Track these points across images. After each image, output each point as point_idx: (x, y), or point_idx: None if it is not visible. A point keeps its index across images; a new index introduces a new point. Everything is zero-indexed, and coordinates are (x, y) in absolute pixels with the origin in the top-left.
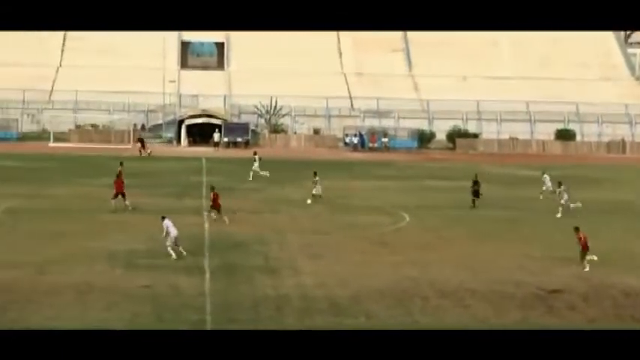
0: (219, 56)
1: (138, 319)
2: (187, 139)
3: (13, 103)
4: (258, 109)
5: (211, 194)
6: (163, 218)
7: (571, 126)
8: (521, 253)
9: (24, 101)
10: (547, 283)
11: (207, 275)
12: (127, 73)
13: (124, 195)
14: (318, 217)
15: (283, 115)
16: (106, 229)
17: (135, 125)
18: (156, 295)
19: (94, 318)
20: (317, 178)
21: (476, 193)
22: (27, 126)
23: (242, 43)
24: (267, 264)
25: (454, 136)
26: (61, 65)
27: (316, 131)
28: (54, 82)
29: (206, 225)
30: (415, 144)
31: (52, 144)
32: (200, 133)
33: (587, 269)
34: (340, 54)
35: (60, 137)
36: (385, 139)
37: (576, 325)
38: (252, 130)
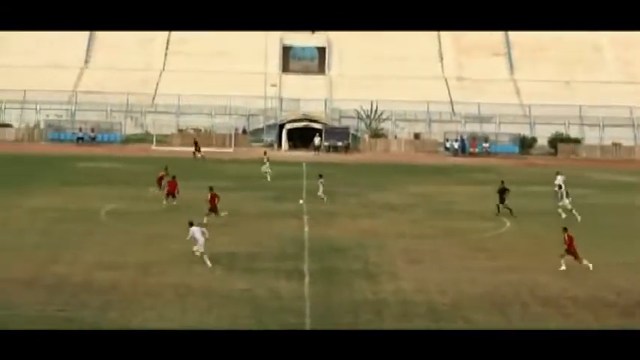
0: (320, 60)
1: (237, 321)
2: (288, 143)
3: (117, 106)
4: (358, 113)
5: (209, 195)
6: (191, 224)
7: None
8: (623, 260)
9: (128, 105)
10: None
11: (307, 279)
12: (229, 77)
13: (174, 195)
14: (418, 222)
15: (384, 120)
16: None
17: (236, 129)
18: (255, 298)
19: (193, 320)
20: (322, 180)
21: (502, 200)
22: (130, 129)
23: (343, 48)
24: (367, 268)
25: (556, 141)
26: (164, 69)
27: (417, 136)
28: (157, 85)
29: (306, 229)
30: (516, 149)
31: (154, 147)
32: (300, 137)
33: (562, 268)
34: (441, 58)
35: (162, 140)
36: (486, 144)
37: None
38: (353, 135)
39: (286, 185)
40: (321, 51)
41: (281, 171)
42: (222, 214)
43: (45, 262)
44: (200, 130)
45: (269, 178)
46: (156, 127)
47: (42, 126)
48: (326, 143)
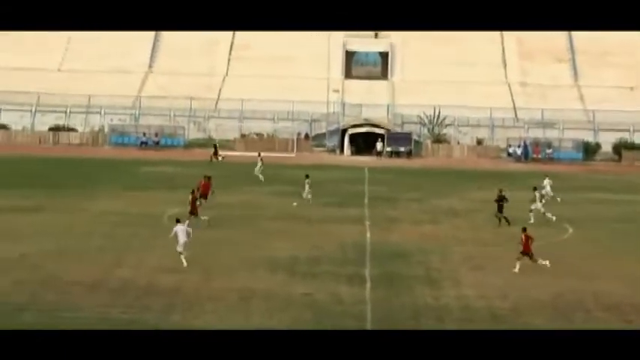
0: (383, 66)
1: (298, 325)
2: (350, 149)
3: (180, 111)
4: (421, 118)
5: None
6: (177, 221)
7: None
8: None
9: (191, 109)
10: None
11: (368, 284)
12: (292, 82)
13: (206, 197)
14: (480, 228)
15: (446, 125)
16: (269, 236)
17: (299, 134)
18: (316, 303)
19: (255, 323)
20: (308, 180)
21: (500, 209)
22: (193, 134)
23: (406, 53)
24: (428, 274)
25: (620, 147)
26: (227, 74)
27: (479, 141)
28: (220, 90)
29: (368, 234)
30: (580, 155)
31: None
32: (363, 143)
33: (516, 270)
34: (505, 64)
35: (225, 145)
36: (549, 151)
37: None
38: (415, 140)
39: (348, 190)
40: (384, 56)
41: (343, 176)
42: (203, 218)
43: (109, 266)
44: (263, 135)
45: (262, 179)
46: (219, 132)
47: (106, 130)
48: (388, 149)
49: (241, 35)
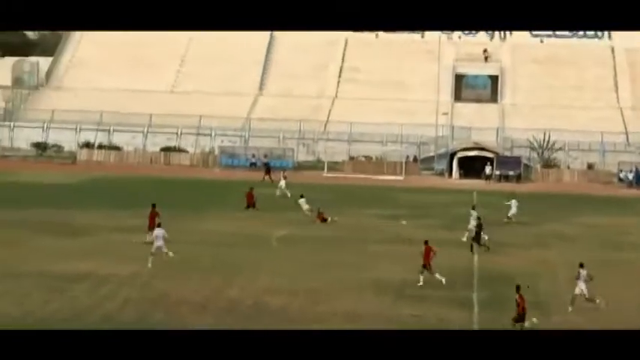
0: (492, 89)
1: None
2: (458, 172)
3: (289, 133)
4: (530, 142)
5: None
6: (159, 225)
7: None
8: None
9: (300, 131)
10: None
11: (476, 308)
12: (401, 105)
13: (254, 206)
14: (589, 253)
15: (556, 150)
16: (376, 258)
17: (407, 157)
18: (423, 326)
19: None
20: (303, 199)
21: (477, 236)
22: (302, 156)
23: (516, 76)
24: (537, 299)
25: None
26: (336, 97)
27: (590, 166)
28: (329, 113)
29: (476, 257)
30: None
31: (325, 174)
32: (471, 166)
33: (420, 284)
34: (616, 88)
35: (333, 167)
36: None
37: None
38: (525, 164)
39: (457, 214)
40: (494, 79)
41: (452, 199)
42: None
43: (217, 286)
44: (371, 157)
45: (289, 194)
46: (327, 154)
47: (216, 152)
48: (497, 172)
49: (351, 58)
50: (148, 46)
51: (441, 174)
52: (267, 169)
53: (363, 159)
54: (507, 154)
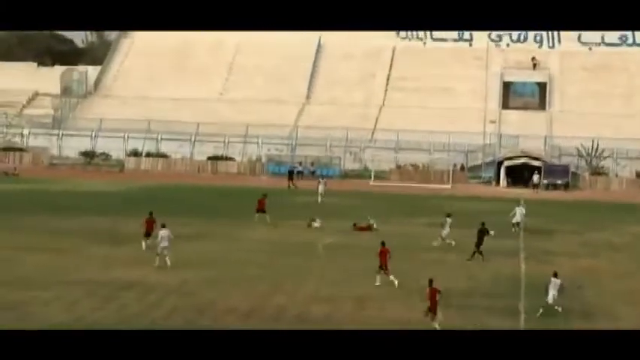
0: (540, 97)
1: None
2: (506, 180)
3: (336, 141)
4: (579, 151)
5: (144, 220)
6: (163, 226)
7: None
8: None
9: (347, 139)
10: None
11: (522, 317)
12: (448, 113)
13: (264, 211)
14: (638, 263)
15: (605, 158)
16: (424, 266)
17: (454, 165)
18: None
19: None
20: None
21: (479, 243)
22: (349, 164)
23: (564, 84)
24: (584, 308)
25: None
26: (384, 105)
27: (639, 174)
28: (376, 121)
29: (522, 266)
30: None
31: (372, 182)
32: (519, 175)
33: (377, 284)
34: None
35: (380, 176)
36: None
37: None
38: (573, 173)
39: (504, 222)
40: (542, 87)
41: (499, 207)
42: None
43: (264, 294)
44: (418, 166)
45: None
46: (374, 162)
47: (263, 160)
48: (545, 181)
49: (398, 66)
50: (195, 54)
51: (489, 182)
52: (291, 175)
53: (410, 167)
54: (555, 162)
